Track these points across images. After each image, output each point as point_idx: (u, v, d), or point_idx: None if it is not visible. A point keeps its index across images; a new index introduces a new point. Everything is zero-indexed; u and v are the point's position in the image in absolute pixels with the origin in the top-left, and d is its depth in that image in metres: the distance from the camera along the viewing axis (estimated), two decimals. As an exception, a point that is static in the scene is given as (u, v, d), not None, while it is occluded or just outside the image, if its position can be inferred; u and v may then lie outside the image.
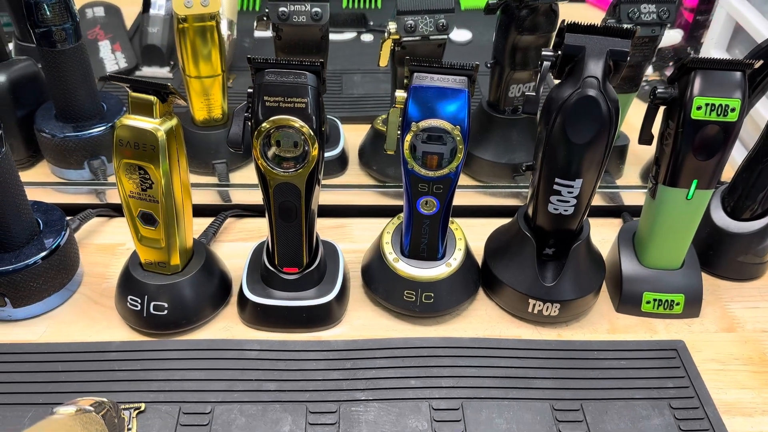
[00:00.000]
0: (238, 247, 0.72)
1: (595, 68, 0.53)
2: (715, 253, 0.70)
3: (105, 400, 0.48)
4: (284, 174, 0.56)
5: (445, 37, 0.70)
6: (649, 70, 1.01)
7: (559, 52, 0.55)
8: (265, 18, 0.70)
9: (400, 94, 0.57)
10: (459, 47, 1.11)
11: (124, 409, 0.53)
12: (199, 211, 0.75)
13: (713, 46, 0.92)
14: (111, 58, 0.98)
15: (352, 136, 0.86)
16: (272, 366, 0.58)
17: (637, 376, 0.59)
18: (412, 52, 0.71)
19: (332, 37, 1.09)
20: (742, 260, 0.70)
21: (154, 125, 0.53)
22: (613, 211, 0.79)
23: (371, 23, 1.12)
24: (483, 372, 0.59)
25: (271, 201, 0.58)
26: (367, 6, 1.18)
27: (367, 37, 1.09)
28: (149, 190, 0.56)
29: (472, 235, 0.70)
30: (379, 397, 0.56)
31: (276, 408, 0.55)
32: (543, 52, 0.55)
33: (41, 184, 0.78)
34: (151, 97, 0.53)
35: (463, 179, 0.83)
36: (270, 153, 0.56)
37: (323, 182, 0.81)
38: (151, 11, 0.97)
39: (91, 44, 1.00)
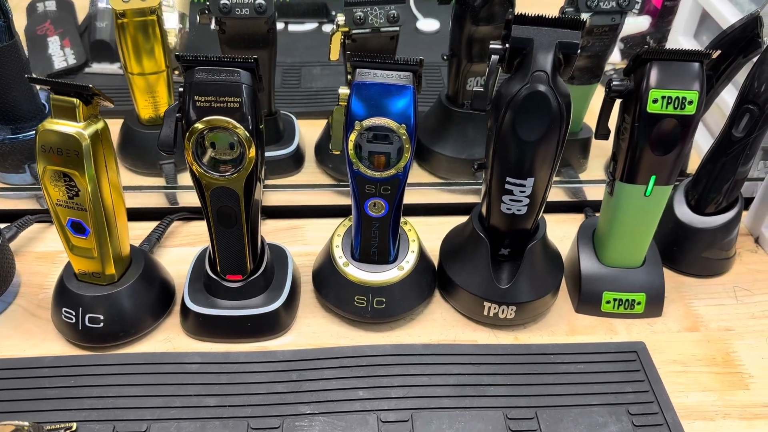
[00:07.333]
0: (184, 252, 0.69)
1: (544, 62, 0.51)
2: (678, 249, 0.68)
3: (26, 423, 0.45)
4: (220, 178, 0.53)
5: (397, 28, 0.67)
6: (617, 58, 0.98)
7: (507, 45, 0.52)
8: (206, 11, 0.66)
9: (343, 90, 0.54)
10: (426, 36, 1.08)
11: (53, 429, 0.50)
12: (144, 214, 0.73)
13: (680, 33, 0.89)
14: (60, 55, 0.94)
15: (310, 132, 0.82)
16: (214, 380, 0.56)
17: (596, 380, 0.57)
18: (363, 46, 0.68)
19: (292, 28, 1.07)
20: (706, 256, 0.68)
21: (78, 129, 0.50)
22: (576, 206, 0.76)
23: (333, 13, 1.08)
24: (434, 380, 0.56)
25: (209, 206, 0.55)
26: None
27: (328, 28, 1.06)
28: (76, 198, 0.52)
29: (430, 235, 0.67)
30: (324, 411, 0.54)
31: (215, 425, 0.52)
32: (491, 45, 0.53)
33: (-21, 189, 0.75)
34: (74, 100, 0.50)
35: (422, 176, 0.80)
36: (206, 156, 0.53)
37: (276, 182, 0.79)
38: (99, 5, 0.93)
39: (41, 40, 0.96)
